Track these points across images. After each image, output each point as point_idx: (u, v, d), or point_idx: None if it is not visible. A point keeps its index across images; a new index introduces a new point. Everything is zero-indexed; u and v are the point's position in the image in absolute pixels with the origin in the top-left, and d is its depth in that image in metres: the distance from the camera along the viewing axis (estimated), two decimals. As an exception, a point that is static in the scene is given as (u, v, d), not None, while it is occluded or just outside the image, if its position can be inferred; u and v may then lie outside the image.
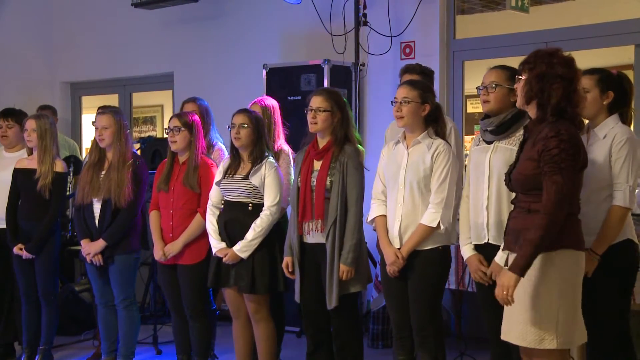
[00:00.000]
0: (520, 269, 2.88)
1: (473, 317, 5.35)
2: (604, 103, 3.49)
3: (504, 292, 2.89)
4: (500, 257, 3.30)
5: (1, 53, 7.47)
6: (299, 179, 3.96)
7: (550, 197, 2.87)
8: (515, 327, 3.01)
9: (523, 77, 3.04)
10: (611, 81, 3.50)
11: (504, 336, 3.08)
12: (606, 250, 3.33)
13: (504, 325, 3.08)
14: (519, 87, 3.06)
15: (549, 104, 2.96)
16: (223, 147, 4.82)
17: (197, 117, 4.43)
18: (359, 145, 4.33)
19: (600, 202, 3.36)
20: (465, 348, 4.91)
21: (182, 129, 4.32)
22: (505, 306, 3.02)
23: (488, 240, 3.43)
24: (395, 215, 3.68)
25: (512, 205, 3.23)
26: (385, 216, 3.75)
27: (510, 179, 3.09)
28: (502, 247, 3.26)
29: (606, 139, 3.41)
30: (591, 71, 3.52)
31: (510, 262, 3.05)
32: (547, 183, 2.89)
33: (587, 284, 3.10)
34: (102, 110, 4.63)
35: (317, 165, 3.93)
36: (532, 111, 3.07)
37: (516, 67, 3.49)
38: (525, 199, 3.02)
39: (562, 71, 2.96)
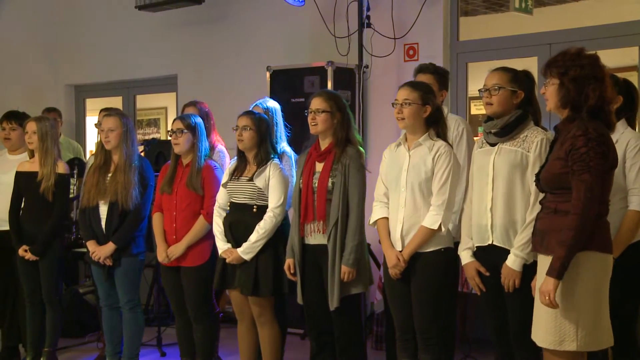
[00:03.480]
0: (556, 271, 2.89)
1: (477, 319, 5.33)
2: (614, 107, 3.52)
3: (546, 298, 2.91)
4: (512, 261, 3.29)
5: (6, 56, 7.51)
6: (301, 180, 3.97)
7: (579, 197, 2.88)
8: (539, 328, 3.03)
9: (552, 81, 3.02)
10: (621, 86, 3.56)
11: (533, 336, 3.09)
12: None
13: (533, 326, 3.10)
14: (549, 91, 3.05)
15: (587, 106, 2.96)
16: (224, 149, 4.83)
17: (199, 120, 4.44)
18: (360, 147, 4.33)
19: (613, 206, 3.37)
20: (469, 350, 4.90)
21: (185, 131, 4.33)
22: (534, 308, 3.06)
23: (492, 242, 3.42)
24: (397, 218, 3.67)
25: (521, 206, 3.25)
26: (387, 218, 3.74)
27: (539, 180, 3.10)
28: (514, 249, 3.27)
29: (618, 144, 3.46)
30: None
31: (538, 264, 3.08)
32: (576, 182, 2.90)
33: None
34: (108, 112, 4.63)
35: (319, 167, 3.93)
36: (563, 113, 3.06)
37: (519, 69, 3.52)
38: (553, 199, 3.03)
39: (594, 71, 2.98)
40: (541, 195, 3.16)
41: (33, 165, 4.82)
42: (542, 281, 2.96)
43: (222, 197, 4.26)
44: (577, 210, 2.87)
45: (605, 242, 2.99)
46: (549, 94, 3.06)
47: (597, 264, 2.96)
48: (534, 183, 3.19)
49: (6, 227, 4.88)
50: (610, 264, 3.03)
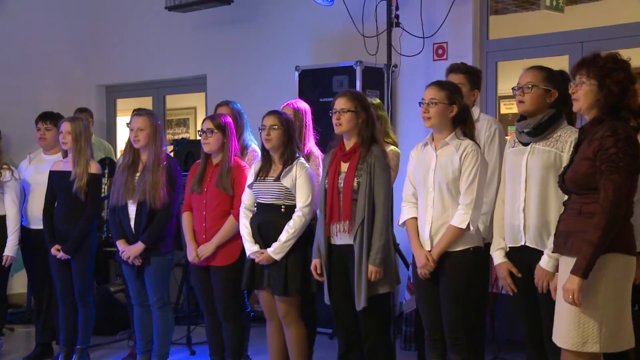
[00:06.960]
0: (581, 270, 2.88)
1: (507, 320, 5.30)
2: None
3: (570, 296, 2.90)
4: (546, 262, 3.25)
5: (38, 57, 7.60)
6: (326, 180, 3.96)
7: (608, 196, 2.86)
8: (561, 330, 3.01)
9: (590, 82, 2.99)
10: None
11: (554, 338, 3.07)
12: None
13: (555, 327, 3.07)
14: (582, 91, 3.01)
15: (628, 108, 2.96)
16: (257, 148, 4.84)
17: (229, 119, 4.46)
18: (394, 147, 4.32)
19: None
20: (499, 351, 4.87)
21: (215, 131, 4.35)
22: (555, 309, 3.04)
23: (525, 242, 3.38)
24: (426, 218, 3.66)
25: (555, 207, 3.22)
26: (416, 218, 3.73)
27: (564, 180, 3.08)
28: (547, 250, 3.23)
29: None
30: None
31: (560, 265, 3.05)
32: (605, 182, 2.88)
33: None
34: (138, 112, 4.68)
35: (344, 166, 3.92)
36: (590, 114, 3.03)
37: (551, 68, 3.47)
38: (578, 200, 3.00)
39: (632, 76, 2.98)
40: (553, 196, 3.12)
41: (66, 165, 4.88)
42: (563, 282, 2.94)
43: (248, 198, 4.26)
44: (606, 209, 2.85)
45: (629, 244, 2.98)
46: (581, 94, 3.02)
47: (621, 265, 2.95)
48: (558, 184, 3.15)
49: (42, 226, 4.95)
50: (634, 265, 3.00)
